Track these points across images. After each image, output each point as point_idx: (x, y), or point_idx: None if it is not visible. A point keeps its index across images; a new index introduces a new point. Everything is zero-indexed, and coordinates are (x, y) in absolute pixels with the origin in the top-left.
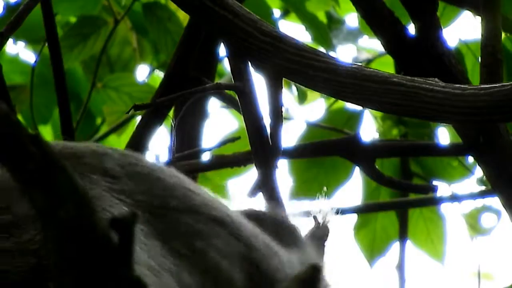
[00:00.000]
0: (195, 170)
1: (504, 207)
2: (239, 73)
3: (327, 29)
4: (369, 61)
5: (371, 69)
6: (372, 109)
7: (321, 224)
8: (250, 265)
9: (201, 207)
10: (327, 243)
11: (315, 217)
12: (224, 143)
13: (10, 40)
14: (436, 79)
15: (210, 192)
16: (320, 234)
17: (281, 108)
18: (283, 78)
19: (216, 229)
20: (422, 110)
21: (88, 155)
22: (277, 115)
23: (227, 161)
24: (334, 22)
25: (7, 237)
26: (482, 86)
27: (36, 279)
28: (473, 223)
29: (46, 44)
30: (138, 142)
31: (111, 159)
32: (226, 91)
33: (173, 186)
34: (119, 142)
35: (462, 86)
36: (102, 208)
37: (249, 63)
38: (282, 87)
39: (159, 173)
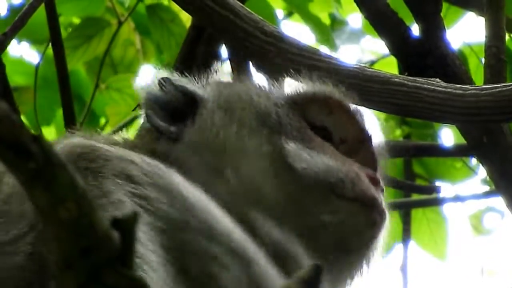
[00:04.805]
0: None
1: (508, 207)
2: (241, 73)
3: (329, 30)
4: (372, 62)
5: (373, 70)
6: (374, 109)
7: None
8: None
9: (221, 236)
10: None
11: None
12: None
13: (14, 42)
14: (438, 80)
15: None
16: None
17: None
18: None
19: (231, 260)
20: (423, 110)
21: (114, 160)
22: None
23: None
24: (337, 23)
25: None
26: (484, 86)
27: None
28: (477, 223)
29: (50, 45)
30: None
31: (137, 167)
32: None
33: (195, 207)
34: None
35: (464, 86)
36: (119, 210)
37: (251, 63)
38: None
39: (184, 191)
